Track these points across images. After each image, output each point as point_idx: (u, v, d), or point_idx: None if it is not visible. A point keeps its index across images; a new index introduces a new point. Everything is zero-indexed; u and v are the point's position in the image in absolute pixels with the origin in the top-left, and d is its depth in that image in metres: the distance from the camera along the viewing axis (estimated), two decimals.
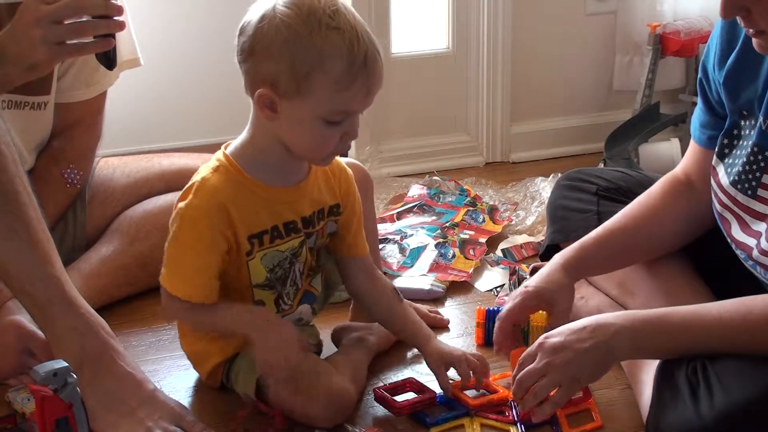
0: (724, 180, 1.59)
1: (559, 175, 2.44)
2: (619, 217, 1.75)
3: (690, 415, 1.40)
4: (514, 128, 2.94)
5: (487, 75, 2.86)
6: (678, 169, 1.77)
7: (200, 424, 1.53)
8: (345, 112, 1.51)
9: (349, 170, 1.70)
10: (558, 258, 1.73)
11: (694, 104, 2.87)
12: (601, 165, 2.68)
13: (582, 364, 1.49)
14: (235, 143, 1.60)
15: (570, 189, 1.94)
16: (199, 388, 1.73)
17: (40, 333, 1.60)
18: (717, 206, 1.62)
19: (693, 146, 1.73)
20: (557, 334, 1.52)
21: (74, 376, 1.35)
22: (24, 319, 1.65)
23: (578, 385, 1.53)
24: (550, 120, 3.00)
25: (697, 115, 1.70)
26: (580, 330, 1.51)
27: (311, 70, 1.46)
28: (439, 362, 1.68)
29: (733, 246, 1.60)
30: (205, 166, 1.60)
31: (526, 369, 1.51)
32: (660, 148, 2.80)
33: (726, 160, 1.60)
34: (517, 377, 1.53)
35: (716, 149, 1.62)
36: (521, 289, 1.71)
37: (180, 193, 1.59)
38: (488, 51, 2.84)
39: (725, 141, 1.61)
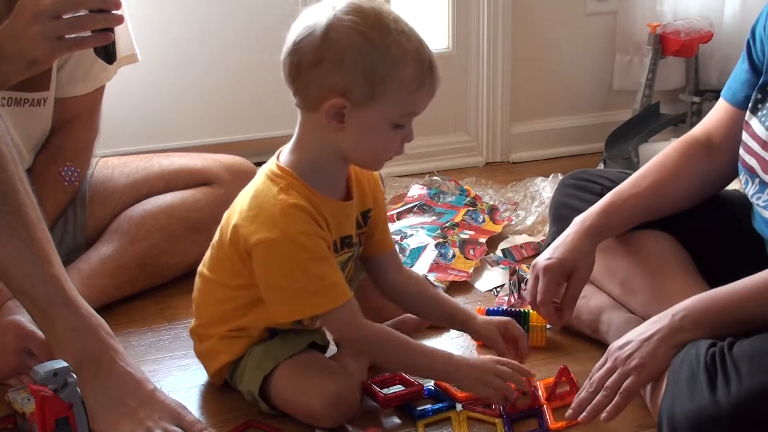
0: (759, 129, 1.64)
1: (559, 175, 2.45)
2: (638, 179, 1.78)
3: (707, 403, 1.40)
4: (514, 128, 2.94)
5: (487, 75, 2.86)
6: (697, 130, 1.81)
7: (200, 423, 1.53)
8: (412, 114, 1.55)
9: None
10: (579, 225, 1.74)
11: (694, 104, 2.92)
12: (601, 165, 2.68)
13: (649, 351, 1.51)
14: (287, 158, 1.58)
15: (574, 188, 1.94)
16: (199, 388, 1.73)
17: (40, 333, 1.60)
18: (745, 156, 1.67)
19: (722, 106, 1.77)
20: (622, 338, 1.56)
21: (74, 376, 1.35)
22: (24, 319, 1.65)
23: (649, 371, 1.52)
24: (550, 120, 3.00)
25: (738, 77, 1.74)
26: (642, 326, 1.56)
27: (386, 74, 1.48)
28: (495, 331, 1.72)
29: (755, 192, 1.64)
30: (266, 188, 1.56)
31: (596, 375, 1.54)
32: (660, 148, 2.76)
33: (759, 113, 1.65)
34: (591, 381, 1.55)
35: (750, 105, 1.68)
36: (544, 261, 1.71)
37: (246, 224, 1.54)
38: (488, 51, 2.84)
39: (759, 96, 1.67)
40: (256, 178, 1.62)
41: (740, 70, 1.75)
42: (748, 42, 1.72)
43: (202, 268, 1.69)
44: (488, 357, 1.65)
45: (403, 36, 1.50)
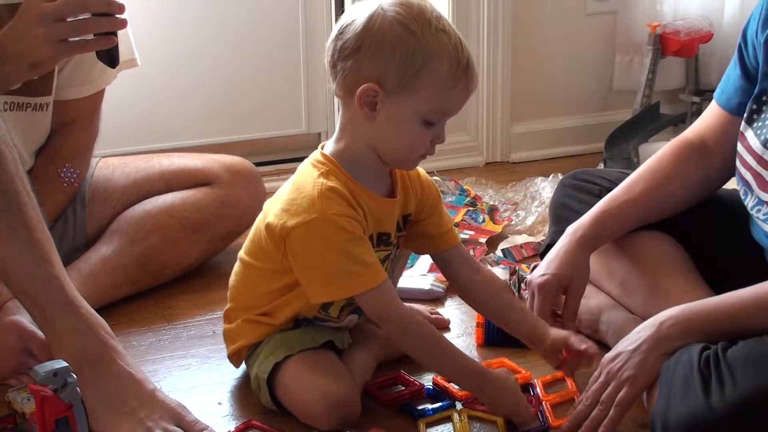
0: (754, 142, 1.62)
1: (559, 175, 2.45)
2: (631, 185, 1.77)
3: (701, 408, 1.40)
4: (514, 128, 2.94)
5: (487, 75, 2.86)
6: (690, 133, 1.79)
7: (200, 423, 1.53)
8: (443, 112, 1.55)
9: (419, 168, 1.70)
10: (571, 236, 1.73)
11: (694, 104, 2.92)
12: (601, 165, 2.68)
13: (638, 361, 1.51)
14: (331, 148, 1.61)
15: (574, 189, 1.94)
16: (199, 388, 1.73)
17: (40, 333, 1.60)
18: (741, 169, 1.65)
19: (715, 111, 1.76)
20: (613, 350, 1.56)
21: (74, 376, 1.35)
22: (24, 319, 1.65)
23: (641, 383, 1.52)
24: (550, 120, 3.00)
25: (731, 82, 1.72)
26: (630, 335, 1.55)
27: (422, 66, 1.50)
28: (561, 346, 1.67)
29: (755, 205, 1.63)
30: (308, 173, 1.58)
31: (591, 389, 1.55)
32: (660, 148, 2.79)
33: (755, 125, 1.63)
34: (587, 394, 1.55)
35: (745, 115, 1.65)
36: (538, 278, 1.70)
37: (285, 207, 1.56)
38: (488, 51, 2.84)
39: (754, 107, 1.64)
40: (300, 167, 1.63)
41: (733, 75, 1.72)
42: (740, 46, 1.70)
43: (241, 252, 1.71)
44: (504, 371, 1.66)
45: (443, 34, 1.52)
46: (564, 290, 1.72)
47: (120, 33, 1.77)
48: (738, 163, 1.66)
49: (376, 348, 1.74)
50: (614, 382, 1.52)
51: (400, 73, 1.51)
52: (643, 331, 1.54)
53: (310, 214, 1.53)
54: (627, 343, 1.54)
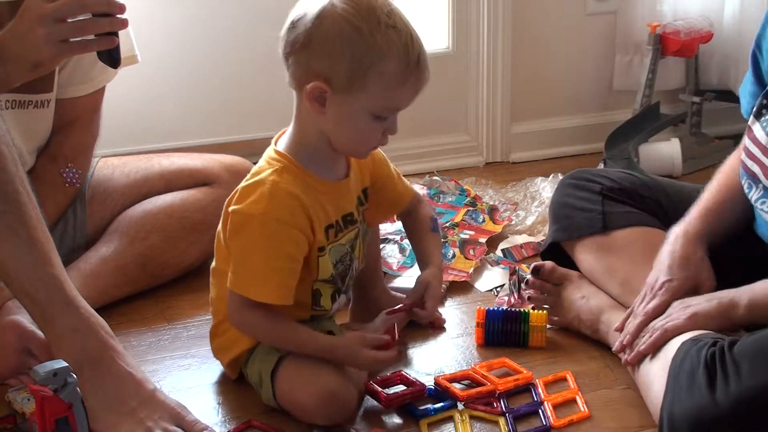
0: (761, 134, 1.63)
1: (559, 175, 2.45)
2: (720, 188, 1.76)
3: (706, 403, 1.41)
4: (514, 128, 2.94)
5: (487, 75, 2.86)
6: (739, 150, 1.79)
7: (200, 423, 1.54)
8: (393, 108, 1.56)
9: None
10: (683, 231, 1.71)
11: (694, 104, 2.91)
12: (601, 165, 2.67)
13: (703, 307, 1.57)
14: (284, 141, 1.63)
15: (575, 188, 1.94)
16: (199, 388, 1.73)
17: (40, 333, 1.60)
18: (747, 161, 1.66)
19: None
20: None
21: (74, 376, 1.35)
22: (24, 319, 1.65)
23: (695, 317, 1.57)
24: (550, 120, 3.00)
25: (747, 89, 1.74)
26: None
27: (370, 66, 1.51)
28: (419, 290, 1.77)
29: (759, 197, 1.65)
30: (261, 168, 1.60)
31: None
32: (660, 148, 2.80)
33: (762, 119, 1.65)
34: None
35: (754, 110, 1.67)
36: (666, 283, 1.66)
37: (235, 196, 1.59)
38: (488, 51, 2.84)
39: (764, 102, 1.66)
40: (255, 167, 1.65)
41: (748, 83, 1.74)
42: (754, 53, 1.71)
43: (212, 265, 1.71)
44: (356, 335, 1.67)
45: (393, 31, 1.51)
46: (693, 292, 1.67)
47: (120, 30, 1.77)
48: (744, 155, 1.68)
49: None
50: (677, 313, 1.57)
51: (348, 73, 1.51)
52: (724, 295, 1.58)
53: (253, 209, 1.55)
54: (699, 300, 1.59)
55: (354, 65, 1.51)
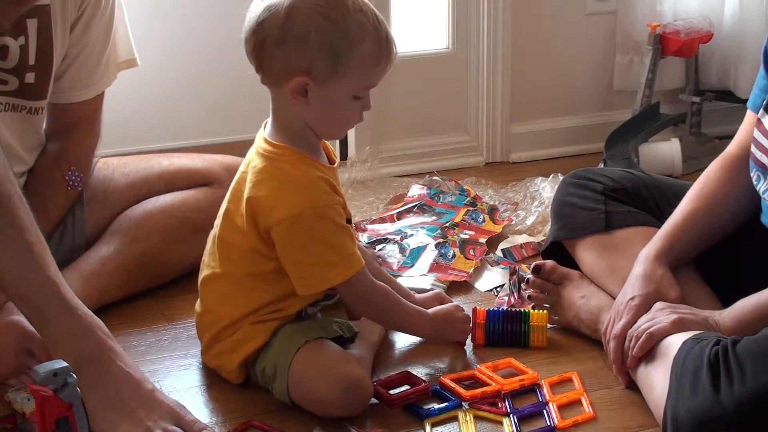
0: None
1: (559, 175, 2.45)
2: (690, 203, 1.77)
3: (710, 403, 1.41)
4: (514, 128, 2.94)
5: (487, 75, 2.86)
6: (732, 147, 1.81)
7: (200, 423, 1.53)
8: (370, 86, 1.62)
9: None
10: (644, 254, 1.73)
11: (694, 104, 2.92)
12: (601, 165, 2.67)
13: (689, 318, 1.59)
14: (276, 135, 1.65)
15: (576, 187, 1.94)
16: (199, 388, 1.73)
17: None
18: (756, 153, 1.68)
19: (748, 117, 1.78)
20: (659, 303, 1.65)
21: (74, 376, 1.35)
22: (24, 319, 1.64)
23: (681, 322, 1.59)
24: (550, 120, 3.00)
25: (758, 84, 1.76)
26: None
27: (348, 53, 1.56)
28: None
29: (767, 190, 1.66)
30: (272, 167, 1.62)
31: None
32: (660, 148, 2.80)
33: None
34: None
35: (764, 103, 1.69)
36: (628, 302, 1.69)
37: (268, 206, 1.60)
38: (488, 51, 2.84)
39: None
40: (257, 162, 1.65)
41: (759, 77, 1.75)
42: (765, 49, 1.72)
43: (208, 273, 1.70)
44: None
45: (361, 14, 1.57)
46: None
47: (120, 33, 1.76)
48: (753, 148, 1.69)
49: (371, 340, 1.77)
50: (660, 317, 1.59)
51: (328, 63, 1.56)
52: (708, 315, 1.61)
53: (296, 209, 1.58)
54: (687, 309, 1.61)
55: (333, 54, 1.55)
